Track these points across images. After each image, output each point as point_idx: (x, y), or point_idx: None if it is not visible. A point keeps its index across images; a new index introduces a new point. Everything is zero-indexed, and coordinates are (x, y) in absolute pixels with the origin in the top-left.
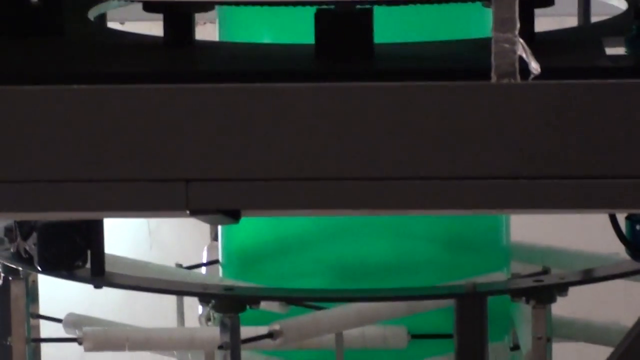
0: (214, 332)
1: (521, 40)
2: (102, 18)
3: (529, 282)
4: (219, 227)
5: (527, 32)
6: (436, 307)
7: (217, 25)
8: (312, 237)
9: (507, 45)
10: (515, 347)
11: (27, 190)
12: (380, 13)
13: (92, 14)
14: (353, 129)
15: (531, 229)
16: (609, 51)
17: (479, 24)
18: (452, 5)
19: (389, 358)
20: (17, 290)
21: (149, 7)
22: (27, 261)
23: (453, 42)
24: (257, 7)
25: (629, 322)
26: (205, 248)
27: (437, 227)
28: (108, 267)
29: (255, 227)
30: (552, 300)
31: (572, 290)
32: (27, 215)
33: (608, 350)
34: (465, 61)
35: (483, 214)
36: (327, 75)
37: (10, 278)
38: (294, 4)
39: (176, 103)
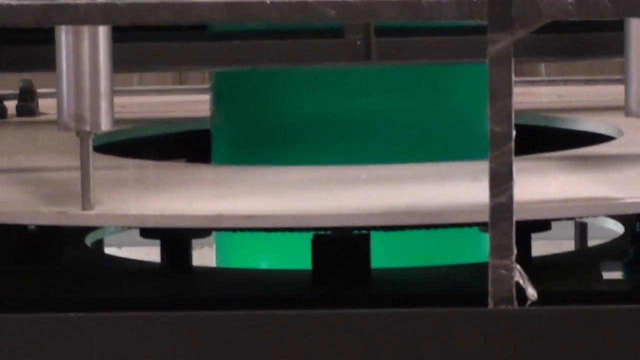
0: None
1: (518, 267)
2: (100, 243)
3: None
4: None
5: (524, 257)
6: None
7: (214, 249)
8: None
9: (503, 272)
10: None
11: None
12: (376, 237)
13: (89, 239)
14: (351, 356)
15: None
16: (607, 275)
17: (475, 248)
18: (448, 230)
19: None
20: None
21: (146, 234)
22: None
23: (450, 267)
24: (254, 233)
25: None
26: None
27: None
28: None
29: None
30: None
31: None
32: None
33: None
34: (462, 286)
35: None
36: (324, 302)
37: None
38: (291, 230)
39: (174, 330)
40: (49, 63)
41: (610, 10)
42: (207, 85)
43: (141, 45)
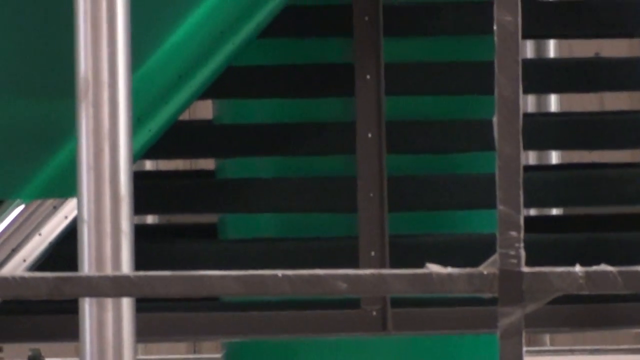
0: None
1: None
2: None
3: None
4: None
5: None
6: None
7: None
8: None
9: None
10: None
11: None
12: None
13: None
14: None
15: None
16: None
17: None
18: None
19: None
20: None
21: None
22: None
23: None
24: None
25: None
26: None
27: None
28: None
29: None
30: None
31: None
32: None
33: None
34: None
35: None
36: None
37: None
38: None
39: None
40: (59, 333)
41: (620, 285)
42: (220, 354)
43: (155, 316)
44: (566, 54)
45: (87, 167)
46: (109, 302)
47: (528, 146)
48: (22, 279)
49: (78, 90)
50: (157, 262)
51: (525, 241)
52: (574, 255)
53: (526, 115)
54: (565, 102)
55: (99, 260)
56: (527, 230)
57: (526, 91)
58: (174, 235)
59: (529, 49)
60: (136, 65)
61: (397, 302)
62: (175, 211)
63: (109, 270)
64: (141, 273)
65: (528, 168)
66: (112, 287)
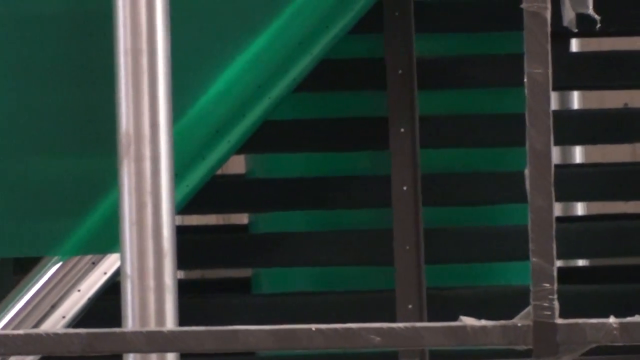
0: None
1: None
2: None
3: None
4: None
5: None
6: None
7: None
8: None
9: None
10: None
11: None
12: None
13: None
14: None
15: None
16: None
17: None
18: None
19: None
20: None
21: None
22: None
23: None
24: None
25: None
26: None
27: None
28: None
29: None
30: None
31: None
32: None
33: None
34: None
35: None
36: None
37: None
38: None
39: None
40: None
41: None
42: None
43: None
44: (596, 105)
45: (129, 223)
46: (152, 358)
47: (560, 198)
48: (56, 335)
49: (119, 146)
50: (190, 317)
51: (558, 292)
52: (608, 306)
53: (559, 167)
54: (598, 153)
55: (143, 316)
56: (560, 281)
57: (557, 143)
58: (208, 290)
59: (554, 101)
60: (174, 120)
61: (435, 355)
62: (209, 266)
63: (152, 326)
64: (175, 328)
65: (560, 219)
66: (146, 342)
